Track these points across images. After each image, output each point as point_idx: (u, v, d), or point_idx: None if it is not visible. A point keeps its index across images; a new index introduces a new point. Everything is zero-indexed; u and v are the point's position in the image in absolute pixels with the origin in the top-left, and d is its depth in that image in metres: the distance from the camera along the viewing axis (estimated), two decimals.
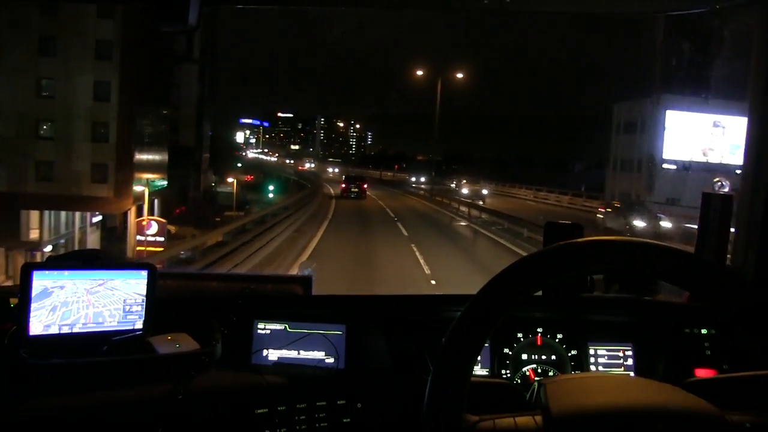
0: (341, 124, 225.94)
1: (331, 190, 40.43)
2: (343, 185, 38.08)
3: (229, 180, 44.58)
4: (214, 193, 43.95)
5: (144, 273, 1.56)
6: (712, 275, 0.92)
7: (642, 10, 1.82)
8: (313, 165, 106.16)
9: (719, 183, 1.84)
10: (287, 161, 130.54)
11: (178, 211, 33.72)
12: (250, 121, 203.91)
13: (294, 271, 4.13)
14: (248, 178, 58.30)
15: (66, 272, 1.48)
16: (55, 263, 1.50)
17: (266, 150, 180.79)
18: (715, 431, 0.85)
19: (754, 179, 1.67)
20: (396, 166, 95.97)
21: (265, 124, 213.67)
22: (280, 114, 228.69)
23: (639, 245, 0.95)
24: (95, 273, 1.51)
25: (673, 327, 1.72)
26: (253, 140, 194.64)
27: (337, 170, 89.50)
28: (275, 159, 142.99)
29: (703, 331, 1.71)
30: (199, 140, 42.59)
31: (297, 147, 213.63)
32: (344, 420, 1.45)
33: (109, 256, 1.66)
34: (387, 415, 1.46)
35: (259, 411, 1.41)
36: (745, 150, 1.70)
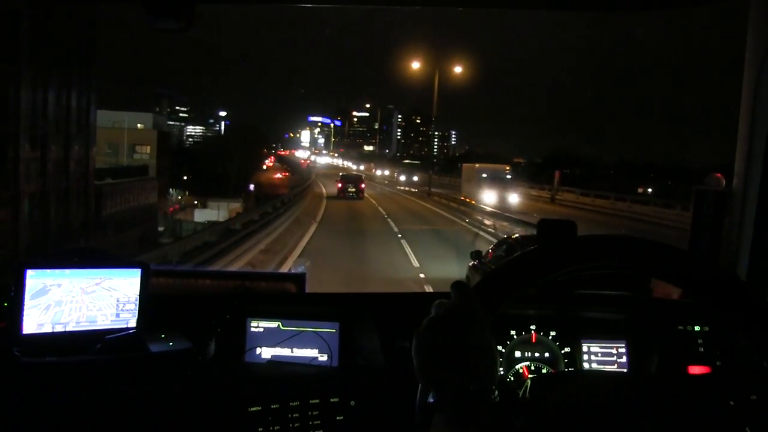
0: (419, 120, 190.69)
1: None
2: (340, 185, 34.95)
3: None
4: (170, 223, 29.49)
5: (138, 271, 1.55)
6: (706, 274, 0.93)
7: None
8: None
9: (713, 180, 1.84)
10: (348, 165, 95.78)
11: (171, 209, 30.99)
12: (319, 119, 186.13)
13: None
14: (283, 174, 56.66)
15: (68, 270, 1.48)
16: (50, 262, 1.49)
17: (331, 152, 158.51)
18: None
19: (746, 177, 1.67)
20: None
21: (337, 122, 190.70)
22: (354, 113, 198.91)
23: (634, 243, 0.96)
24: (92, 271, 1.51)
25: (667, 324, 1.72)
26: (321, 140, 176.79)
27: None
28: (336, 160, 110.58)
29: (696, 328, 1.71)
30: (15, 113, 17.35)
31: (371, 148, 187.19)
32: (337, 418, 1.45)
33: (105, 253, 1.66)
34: (380, 413, 1.46)
35: (252, 409, 1.41)
36: (737, 147, 1.71)
